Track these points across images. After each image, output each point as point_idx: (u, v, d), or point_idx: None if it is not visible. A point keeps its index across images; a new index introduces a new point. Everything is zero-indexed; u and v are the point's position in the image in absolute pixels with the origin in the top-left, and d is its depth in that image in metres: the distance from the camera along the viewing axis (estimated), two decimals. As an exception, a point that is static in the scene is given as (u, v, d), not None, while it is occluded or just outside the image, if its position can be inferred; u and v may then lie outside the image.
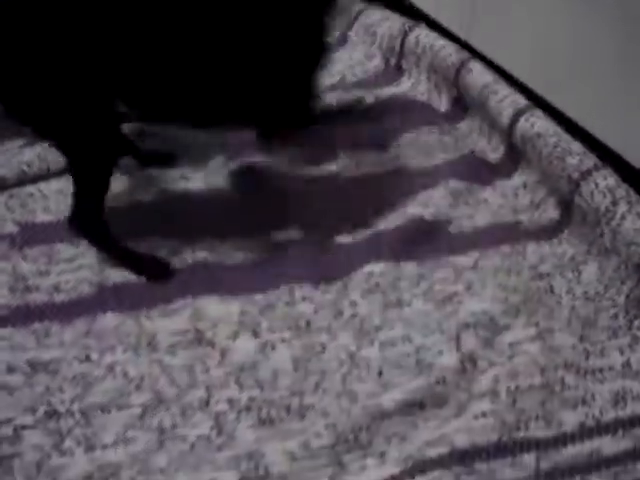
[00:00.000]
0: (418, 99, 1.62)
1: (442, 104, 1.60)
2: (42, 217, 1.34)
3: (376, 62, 1.75)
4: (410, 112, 1.57)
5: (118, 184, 1.35)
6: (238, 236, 1.29)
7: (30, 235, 1.30)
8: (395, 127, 1.54)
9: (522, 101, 1.45)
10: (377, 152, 1.48)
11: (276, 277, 1.22)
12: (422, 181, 1.40)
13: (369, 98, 1.58)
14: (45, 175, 1.43)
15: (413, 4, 1.80)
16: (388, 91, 1.66)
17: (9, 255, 1.26)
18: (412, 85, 1.66)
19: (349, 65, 1.74)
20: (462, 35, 1.66)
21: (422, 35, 1.67)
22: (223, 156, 1.46)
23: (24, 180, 1.42)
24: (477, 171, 1.43)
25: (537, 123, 1.39)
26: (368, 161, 1.46)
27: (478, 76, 1.52)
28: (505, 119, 1.43)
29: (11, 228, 1.32)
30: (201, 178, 1.42)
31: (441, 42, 1.63)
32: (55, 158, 1.42)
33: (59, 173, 1.43)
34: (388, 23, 1.76)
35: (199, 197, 1.39)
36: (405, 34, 1.70)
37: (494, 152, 1.47)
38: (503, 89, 1.48)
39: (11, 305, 1.17)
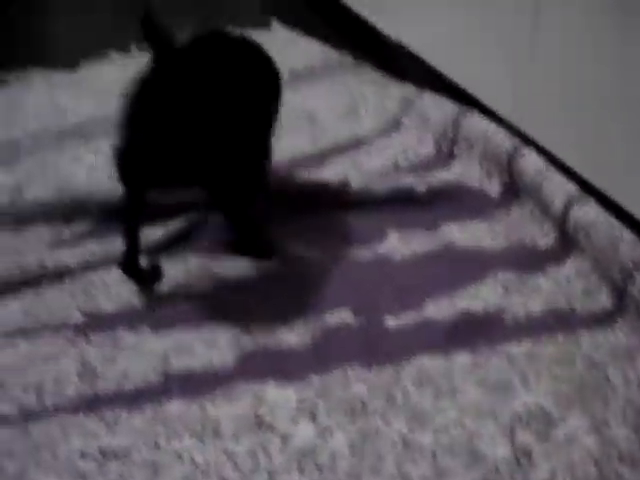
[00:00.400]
0: (469, 185, 1.67)
1: (493, 190, 1.65)
2: (105, 305, 1.40)
3: (428, 147, 1.80)
4: (461, 198, 1.62)
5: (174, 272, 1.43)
6: (292, 319, 1.34)
7: (95, 323, 1.36)
8: (445, 213, 1.59)
9: (574, 189, 1.48)
10: (426, 237, 1.53)
11: (329, 359, 1.27)
12: (471, 272, 1.43)
13: (420, 186, 1.61)
14: (107, 263, 1.49)
15: (465, 90, 1.84)
16: (439, 176, 1.70)
17: (76, 342, 1.31)
18: (464, 171, 1.71)
19: (401, 150, 1.79)
20: (514, 120, 1.69)
21: (475, 122, 1.72)
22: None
23: (87, 268, 1.49)
24: (528, 259, 1.46)
25: (590, 211, 1.43)
26: (417, 245, 1.50)
27: (531, 162, 1.57)
28: (558, 206, 1.48)
29: (77, 316, 1.37)
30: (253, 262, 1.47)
31: (494, 128, 1.68)
32: (118, 247, 1.50)
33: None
34: (441, 109, 1.81)
35: (253, 281, 1.44)
36: (458, 121, 1.75)
37: (545, 238, 1.51)
38: (556, 176, 1.52)
39: (81, 392, 1.22)
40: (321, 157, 1.79)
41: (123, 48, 2.40)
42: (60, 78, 2.26)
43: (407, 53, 2.08)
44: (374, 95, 2.00)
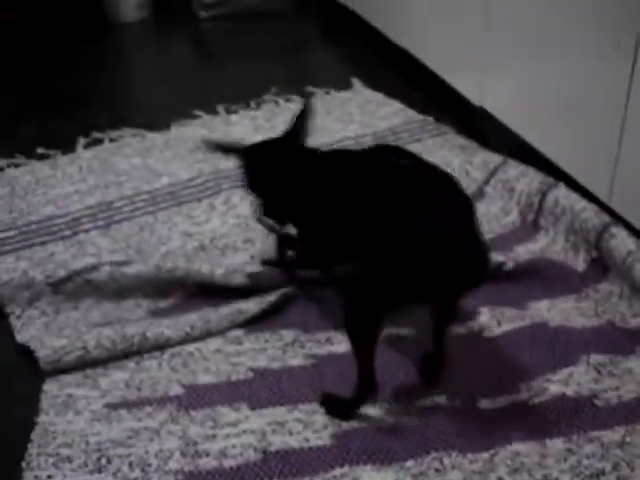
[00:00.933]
0: (554, 258, 1.68)
1: (579, 264, 1.66)
2: (203, 378, 1.45)
3: (513, 217, 1.82)
4: (547, 273, 1.63)
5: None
6: (385, 401, 1.37)
7: (194, 398, 1.41)
8: (533, 288, 1.61)
9: None
10: (517, 314, 1.54)
11: (425, 444, 1.29)
12: (563, 353, 1.45)
13: (509, 261, 1.63)
14: (204, 336, 1.55)
15: (552, 162, 1.86)
16: (524, 249, 1.72)
17: (177, 418, 1.37)
18: (548, 243, 1.73)
19: (486, 220, 1.81)
20: (602, 197, 1.70)
21: (561, 195, 1.74)
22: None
23: (186, 340, 1.55)
24: (619, 340, 1.47)
25: None
26: (508, 323, 1.52)
27: (622, 242, 1.58)
28: None
29: (177, 390, 1.43)
30: (344, 340, 1.49)
31: (582, 204, 1.69)
32: (217, 318, 1.55)
33: (218, 333, 1.56)
34: (527, 179, 1.84)
35: (344, 360, 1.44)
36: (544, 193, 1.77)
37: (636, 317, 1.51)
38: None
39: (185, 470, 1.27)
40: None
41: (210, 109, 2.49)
42: (152, 139, 2.35)
43: (489, 118, 2.11)
44: (458, 161, 2.02)
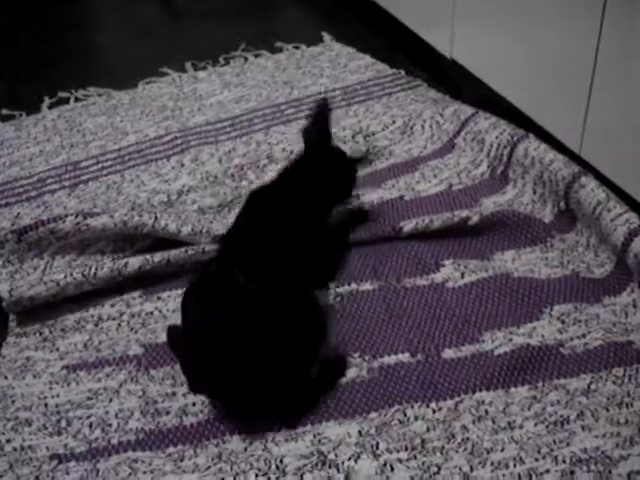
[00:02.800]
0: (521, 210, 1.65)
1: (546, 216, 1.63)
2: (163, 337, 1.38)
3: (482, 169, 1.79)
4: (513, 224, 1.60)
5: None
6: (348, 357, 1.35)
7: (154, 357, 1.39)
8: (499, 239, 1.59)
9: (637, 220, 1.47)
10: (481, 265, 1.52)
11: (388, 397, 1.28)
12: (528, 304, 1.43)
13: (474, 216, 1.60)
14: (164, 263, 1.56)
15: (524, 113, 1.84)
16: (491, 200, 1.70)
17: (137, 378, 1.35)
18: (516, 195, 1.70)
19: (456, 172, 1.79)
20: (573, 147, 1.68)
21: (531, 147, 1.71)
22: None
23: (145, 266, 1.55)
24: (585, 290, 1.45)
25: None
26: (472, 272, 1.50)
27: (591, 192, 1.55)
28: (618, 237, 1.46)
29: (136, 350, 1.41)
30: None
31: (551, 155, 1.66)
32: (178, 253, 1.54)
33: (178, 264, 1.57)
34: (497, 131, 1.80)
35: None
36: (514, 144, 1.75)
37: (601, 267, 1.49)
38: (617, 207, 1.50)
39: (145, 428, 1.26)
40: (376, 178, 1.81)
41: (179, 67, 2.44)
42: (118, 98, 2.31)
43: (461, 70, 2.08)
44: (429, 113, 2.00)
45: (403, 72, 2.27)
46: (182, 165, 1.94)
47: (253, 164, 1.89)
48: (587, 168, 1.62)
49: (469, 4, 2.00)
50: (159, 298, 1.53)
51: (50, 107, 2.30)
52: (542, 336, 1.36)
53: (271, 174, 1.76)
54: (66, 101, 2.32)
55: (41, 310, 1.51)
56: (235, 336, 1.20)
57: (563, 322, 1.39)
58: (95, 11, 3.15)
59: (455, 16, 2.06)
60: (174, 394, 1.31)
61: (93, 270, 1.52)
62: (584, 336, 1.36)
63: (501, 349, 1.34)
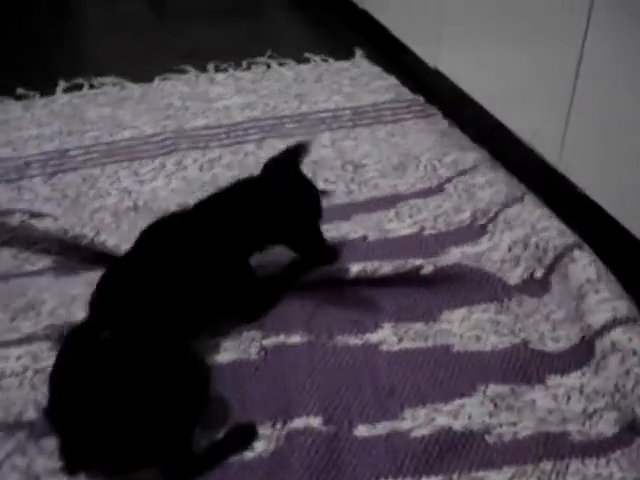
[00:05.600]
0: (487, 267, 1.50)
1: (512, 278, 1.48)
2: None
3: (463, 217, 1.64)
4: (471, 279, 1.46)
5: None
6: (260, 420, 1.21)
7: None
8: (451, 297, 1.44)
9: (625, 311, 1.32)
10: (422, 331, 1.37)
11: (291, 470, 1.13)
12: (460, 383, 1.27)
13: (427, 266, 1.46)
14: None
15: (503, 124, 1.75)
16: (459, 250, 1.55)
17: (26, 449, 1.18)
18: (488, 249, 1.55)
19: (434, 215, 1.65)
20: (552, 161, 1.61)
21: (525, 210, 1.59)
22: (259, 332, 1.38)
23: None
24: (529, 364, 1.30)
25: (635, 340, 1.27)
26: (410, 340, 1.35)
27: (582, 268, 1.41)
28: (597, 320, 1.32)
29: (32, 414, 1.23)
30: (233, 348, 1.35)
31: (547, 223, 1.54)
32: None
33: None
34: (492, 190, 1.68)
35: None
36: (506, 205, 1.62)
37: (556, 342, 1.34)
38: (606, 292, 1.36)
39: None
40: (348, 210, 1.68)
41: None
42: (131, 90, 2.26)
43: (443, 79, 2.03)
44: (427, 157, 1.86)
45: (422, 99, 2.14)
46: (163, 167, 1.87)
47: (231, 176, 1.79)
48: (565, 183, 1.54)
49: (454, 16, 1.97)
50: None
51: (65, 91, 2.27)
52: (469, 417, 1.21)
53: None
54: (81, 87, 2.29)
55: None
56: (95, 398, 1.09)
57: (495, 405, 1.23)
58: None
59: (441, 27, 2.03)
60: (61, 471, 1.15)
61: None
62: (515, 424, 1.20)
63: (419, 430, 1.19)
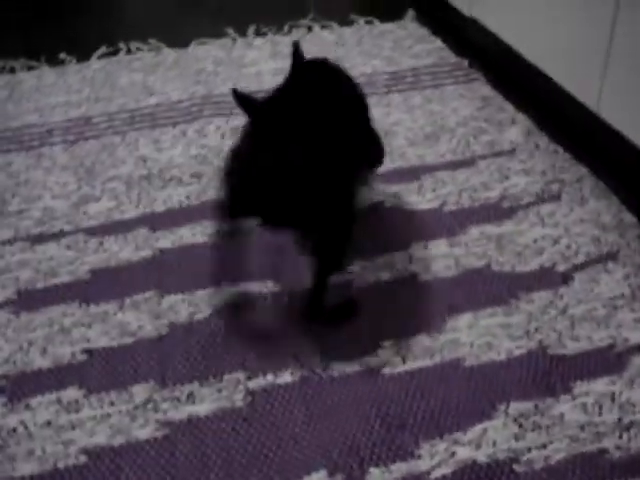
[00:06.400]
0: (493, 268, 1.36)
1: (531, 265, 1.34)
2: (23, 468, 1.08)
3: (491, 194, 1.50)
4: (471, 283, 1.32)
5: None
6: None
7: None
8: (450, 301, 1.29)
9: None
10: (428, 347, 1.22)
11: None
12: (477, 404, 1.12)
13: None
14: None
15: (541, 70, 1.66)
16: (479, 230, 1.42)
17: None
18: (511, 233, 1.41)
19: (460, 189, 1.52)
20: (591, 105, 1.51)
21: (562, 212, 1.47)
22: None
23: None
24: (551, 372, 1.15)
25: None
26: (415, 358, 1.21)
27: (614, 281, 1.31)
28: (637, 338, 1.21)
29: None
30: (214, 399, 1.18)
31: (583, 228, 1.42)
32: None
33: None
34: (530, 178, 1.56)
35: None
36: (542, 199, 1.51)
37: (576, 342, 1.20)
38: None
39: None
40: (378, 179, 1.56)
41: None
42: (165, 55, 2.18)
43: (480, 28, 1.91)
44: (462, 132, 1.71)
45: (466, 63, 1.97)
46: (184, 134, 1.79)
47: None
48: (603, 125, 1.44)
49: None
50: (27, 406, 1.17)
51: (100, 57, 2.20)
52: (493, 444, 1.07)
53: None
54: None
55: None
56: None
57: (520, 425, 1.09)
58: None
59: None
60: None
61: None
62: (544, 446, 1.06)
63: (440, 470, 1.04)
